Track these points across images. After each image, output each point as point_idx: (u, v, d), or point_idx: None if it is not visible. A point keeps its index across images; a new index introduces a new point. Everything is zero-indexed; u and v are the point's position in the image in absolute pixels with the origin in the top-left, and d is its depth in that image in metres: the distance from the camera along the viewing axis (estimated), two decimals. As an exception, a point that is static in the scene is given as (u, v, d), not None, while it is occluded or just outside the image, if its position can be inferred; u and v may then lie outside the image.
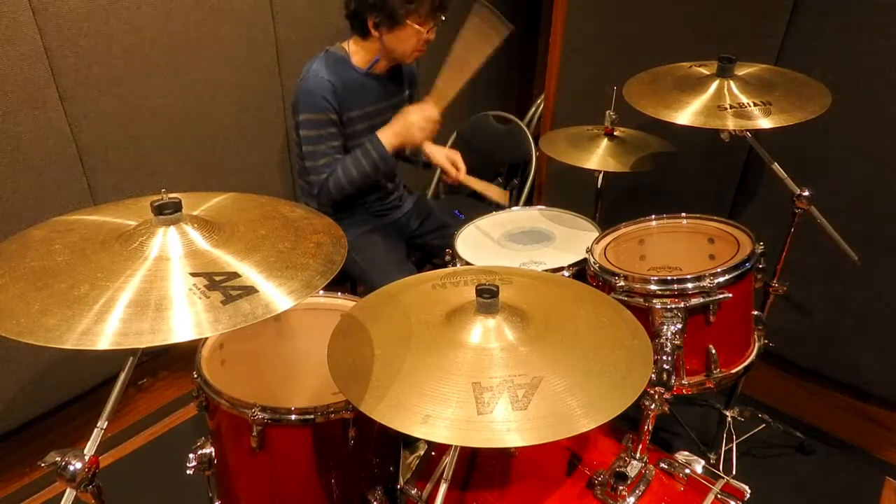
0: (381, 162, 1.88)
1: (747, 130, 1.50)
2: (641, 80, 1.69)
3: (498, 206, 2.03)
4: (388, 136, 1.89)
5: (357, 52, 1.92)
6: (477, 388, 0.92)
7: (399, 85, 2.06)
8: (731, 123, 1.45)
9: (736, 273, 1.41)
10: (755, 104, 1.48)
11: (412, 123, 1.89)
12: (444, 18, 1.86)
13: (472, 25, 1.79)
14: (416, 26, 1.81)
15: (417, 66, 2.13)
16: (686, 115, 1.49)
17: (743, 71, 1.62)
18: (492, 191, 2.00)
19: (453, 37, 1.80)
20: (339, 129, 1.89)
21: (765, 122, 1.43)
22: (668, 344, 1.25)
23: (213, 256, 0.96)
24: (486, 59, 1.80)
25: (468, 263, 1.69)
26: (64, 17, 1.74)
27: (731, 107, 1.49)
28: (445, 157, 2.02)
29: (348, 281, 2.20)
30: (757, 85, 1.56)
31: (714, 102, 1.51)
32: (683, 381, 1.49)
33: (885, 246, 1.89)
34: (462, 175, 2.00)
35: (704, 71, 1.64)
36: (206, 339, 1.37)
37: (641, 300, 1.42)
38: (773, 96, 1.51)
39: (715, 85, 1.56)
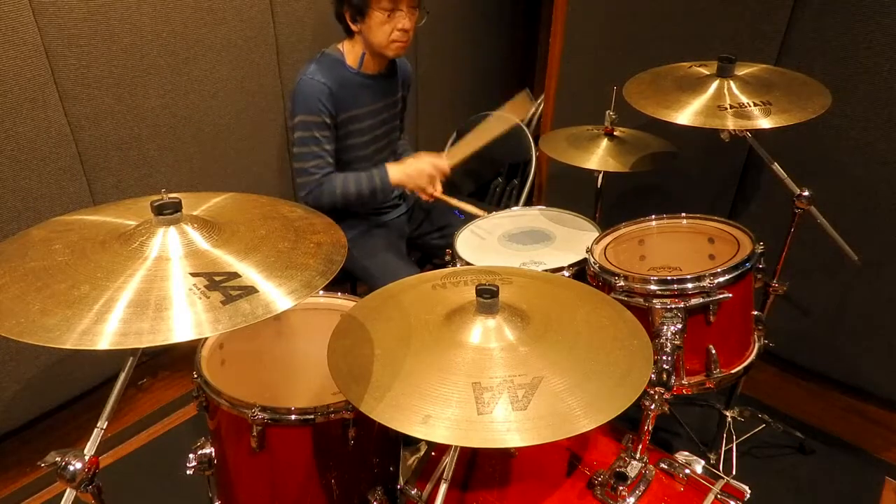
0: (381, 192, 1.96)
1: (747, 130, 1.50)
2: (641, 80, 1.69)
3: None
4: (396, 174, 1.95)
5: (350, 52, 1.93)
6: (477, 388, 0.92)
7: (393, 86, 2.06)
8: (731, 123, 1.45)
9: (736, 273, 1.41)
10: (755, 104, 1.48)
11: (423, 171, 1.94)
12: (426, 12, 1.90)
13: (512, 105, 1.97)
14: (380, 13, 1.80)
15: (414, 70, 2.13)
16: (686, 115, 1.49)
17: (743, 71, 1.62)
18: (469, 207, 1.99)
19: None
20: (332, 132, 1.89)
21: (765, 122, 1.43)
22: (668, 344, 1.24)
23: (213, 256, 0.96)
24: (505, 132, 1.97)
25: (468, 263, 1.69)
26: (64, 17, 1.74)
27: (731, 107, 1.49)
28: (427, 173, 1.96)
29: (348, 281, 2.20)
30: (757, 85, 1.56)
31: (714, 102, 1.51)
32: (683, 381, 1.49)
33: (885, 246, 1.89)
34: (437, 193, 1.99)
35: (704, 71, 1.64)
36: (206, 339, 1.37)
37: (641, 300, 1.42)
38: (773, 96, 1.51)
39: (715, 85, 1.56)
